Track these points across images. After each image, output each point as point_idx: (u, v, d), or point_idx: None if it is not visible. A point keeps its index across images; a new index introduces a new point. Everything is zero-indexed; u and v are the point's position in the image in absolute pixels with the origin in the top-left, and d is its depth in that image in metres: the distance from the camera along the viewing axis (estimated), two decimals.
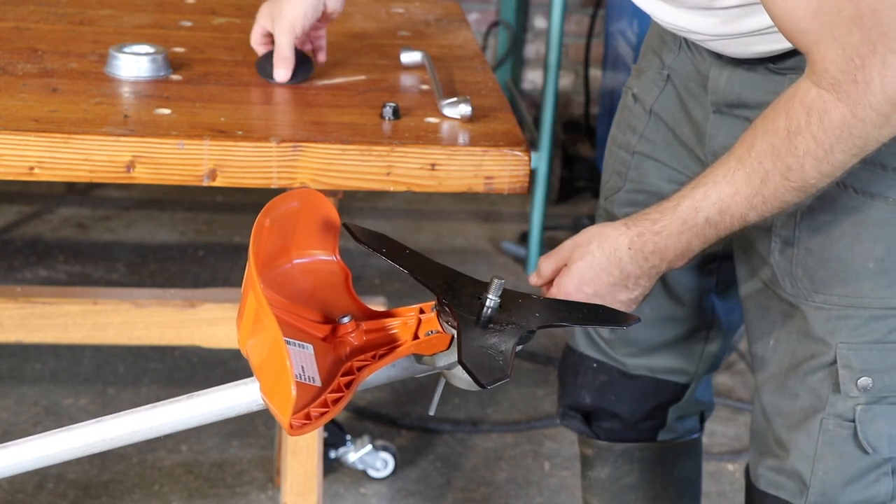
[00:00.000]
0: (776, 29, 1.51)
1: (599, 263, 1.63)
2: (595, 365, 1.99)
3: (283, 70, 1.97)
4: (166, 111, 1.85)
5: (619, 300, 1.64)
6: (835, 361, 1.65)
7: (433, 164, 1.80)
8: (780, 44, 1.60)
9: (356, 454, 2.83)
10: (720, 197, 1.53)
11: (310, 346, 1.34)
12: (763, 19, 1.56)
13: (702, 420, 2.07)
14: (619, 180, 1.90)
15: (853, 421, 1.66)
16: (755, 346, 1.78)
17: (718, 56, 1.71)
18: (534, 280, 1.70)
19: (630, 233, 1.61)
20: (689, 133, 1.81)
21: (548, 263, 1.68)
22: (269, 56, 2.00)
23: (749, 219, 1.54)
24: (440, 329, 1.37)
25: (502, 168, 1.80)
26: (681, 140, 1.83)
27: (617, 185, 1.91)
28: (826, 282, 1.65)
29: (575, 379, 2.01)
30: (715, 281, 1.93)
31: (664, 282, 1.90)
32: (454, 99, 1.88)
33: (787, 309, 1.70)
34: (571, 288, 1.64)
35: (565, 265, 1.66)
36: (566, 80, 4.31)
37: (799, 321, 1.68)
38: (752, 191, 1.51)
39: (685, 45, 1.80)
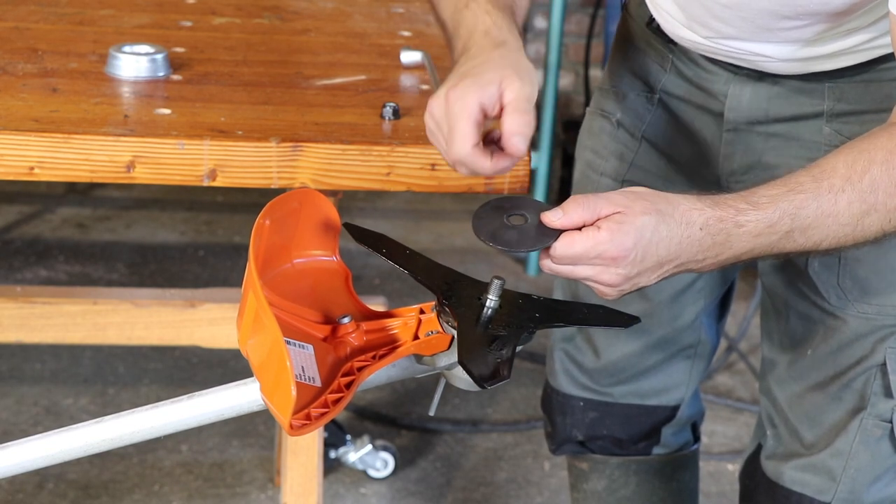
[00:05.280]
0: (848, 51, 1.50)
1: (667, 231, 1.34)
2: (582, 403, 1.97)
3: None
4: (166, 111, 1.85)
5: (637, 283, 1.38)
6: (884, 364, 1.67)
7: (433, 164, 1.80)
8: (844, 62, 1.60)
9: (356, 454, 2.83)
10: (819, 212, 1.38)
11: (310, 347, 1.34)
12: (839, 44, 1.56)
13: (695, 430, 2.07)
14: None
15: (890, 422, 1.68)
16: (782, 355, 1.77)
17: (735, 72, 1.70)
18: (553, 217, 1.34)
19: (709, 213, 1.36)
20: (691, 156, 1.79)
21: (584, 206, 1.34)
22: (498, 210, 1.40)
23: (822, 246, 1.41)
24: (440, 329, 1.37)
25: None
26: (679, 165, 1.81)
27: None
28: (881, 292, 1.65)
29: (563, 419, 2.00)
30: (704, 301, 1.92)
31: (654, 308, 1.89)
32: None
33: (830, 321, 1.69)
34: (629, 243, 1.32)
35: (614, 213, 1.33)
36: (566, 80, 4.31)
37: (844, 331, 1.68)
38: (848, 219, 1.39)
39: (674, 65, 1.77)
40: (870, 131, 1.43)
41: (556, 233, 1.34)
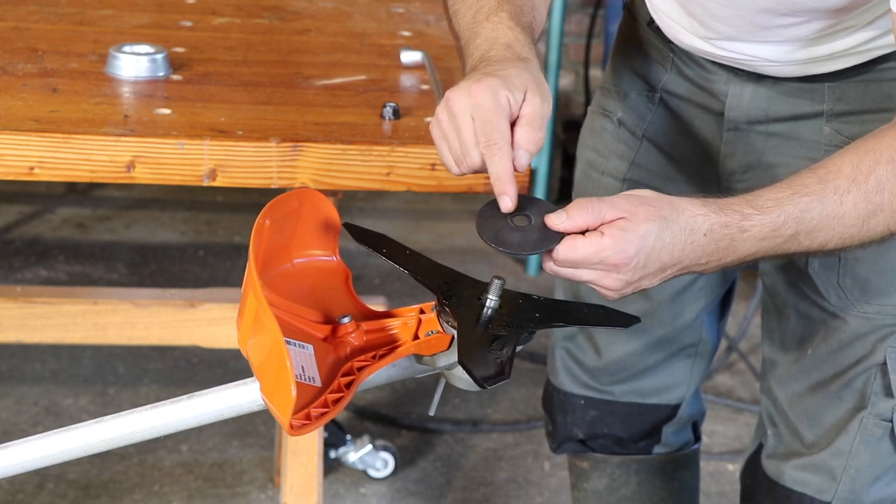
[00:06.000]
0: (847, 53, 1.49)
1: (670, 238, 1.34)
2: (583, 402, 1.97)
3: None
4: (166, 111, 1.85)
5: (639, 286, 1.38)
6: (884, 363, 1.67)
7: (433, 164, 1.80)
8: (842, 64, 1.59)
9: (356, 454, 2.82)
10: (825, 214, 1.38)
11: (310, 346, 1.34)
12: (838, 44, 1.56)
13: (696, 429, 2.07)
14: None
15: (890, 421, 1.68)
16: (783, 355, 1.77)
17: (737, 73, 1.69)
18: (556, 221, 1.34)
19: (713, 219, 1.36)
20: (692, 155, 1.79)
21: (588, 210, 1.34)
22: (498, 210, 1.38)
23: (827, 247, 1.41)
24: (440, 329, 1.37)
25: None
26: (680, 164, 1.81)
27: None
28: (881, 291, 1.65)
29: (564, 417, 2.00)
30: (706, 300, 1.92)
31: (655, 307, 1.89)
32: None
33: (829, 320, 1.69)
34: (632, 251, 1.32)
35: (618, 219, 1.33)
36: (566, 80, 4.31)
37: (844, 331, 1.68)
38: (854, 220, 1.39)
39: (675, 64, 1.77)
40: (875, 131, 1.43)
41: (559, 236, 1.34)
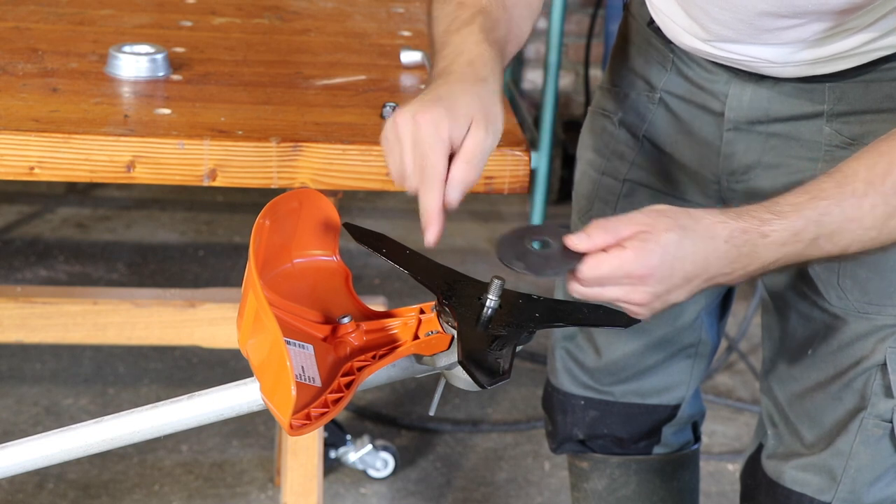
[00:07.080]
0: (848, 54, 1.49)
1: (692, 246, 1.34)
2: (583, 402, 1.97)
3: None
4: (166, 111, 1.85)
5: (668, 300, 1.37)
6: (884, 364, 1.67)
7: None
8: (843, 65, 1.59)
9: (356, 454, 2.83)
10: (844, 217, 1.38)
11: (310, 347, 1.34)
12: (839, 46, 1.55)
13: (696, 430, 2.07)
14: (606, 208, 1.85)
15: (890, 421, 1.68)
16: (783, 355, 1.77)
17: (737, 73, 1.69)
18: (576, 241, 1.33)
19: (732, 225, 1.35)
20: (692, 156, 1.79)
21: (607, 229, 1.33)
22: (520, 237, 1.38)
23: (849, 251, 1.41)
24: (440, 329, 1.37)
25: (502, 168, 1.80)
26: (680, 165, 1.81)
27: (604, 213, 1.84)
28: (882, 292, 1.65)
29: (564, 417, 2.00)
30: (706, 301, 1.92)
31: None
32: None
33: (829, 320, 1.69)
34: (655, 261, 1.32)
35: (638, 233, 1.33)
36: (566, 80, 4.31)
37: (844, 331, 1.68)
38: (873, 222, 1.39)
39: (675, 64, 1.77)
40: (890, 132, 1.43)
41: (581, 256, 1.34)
